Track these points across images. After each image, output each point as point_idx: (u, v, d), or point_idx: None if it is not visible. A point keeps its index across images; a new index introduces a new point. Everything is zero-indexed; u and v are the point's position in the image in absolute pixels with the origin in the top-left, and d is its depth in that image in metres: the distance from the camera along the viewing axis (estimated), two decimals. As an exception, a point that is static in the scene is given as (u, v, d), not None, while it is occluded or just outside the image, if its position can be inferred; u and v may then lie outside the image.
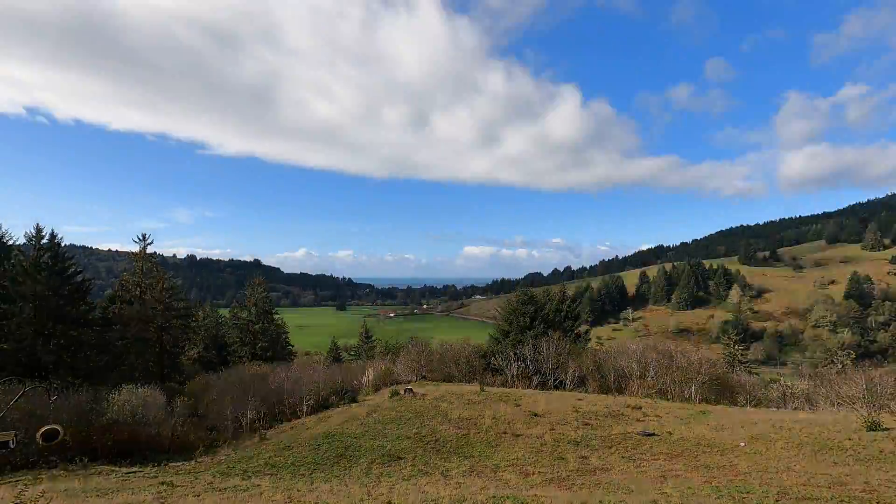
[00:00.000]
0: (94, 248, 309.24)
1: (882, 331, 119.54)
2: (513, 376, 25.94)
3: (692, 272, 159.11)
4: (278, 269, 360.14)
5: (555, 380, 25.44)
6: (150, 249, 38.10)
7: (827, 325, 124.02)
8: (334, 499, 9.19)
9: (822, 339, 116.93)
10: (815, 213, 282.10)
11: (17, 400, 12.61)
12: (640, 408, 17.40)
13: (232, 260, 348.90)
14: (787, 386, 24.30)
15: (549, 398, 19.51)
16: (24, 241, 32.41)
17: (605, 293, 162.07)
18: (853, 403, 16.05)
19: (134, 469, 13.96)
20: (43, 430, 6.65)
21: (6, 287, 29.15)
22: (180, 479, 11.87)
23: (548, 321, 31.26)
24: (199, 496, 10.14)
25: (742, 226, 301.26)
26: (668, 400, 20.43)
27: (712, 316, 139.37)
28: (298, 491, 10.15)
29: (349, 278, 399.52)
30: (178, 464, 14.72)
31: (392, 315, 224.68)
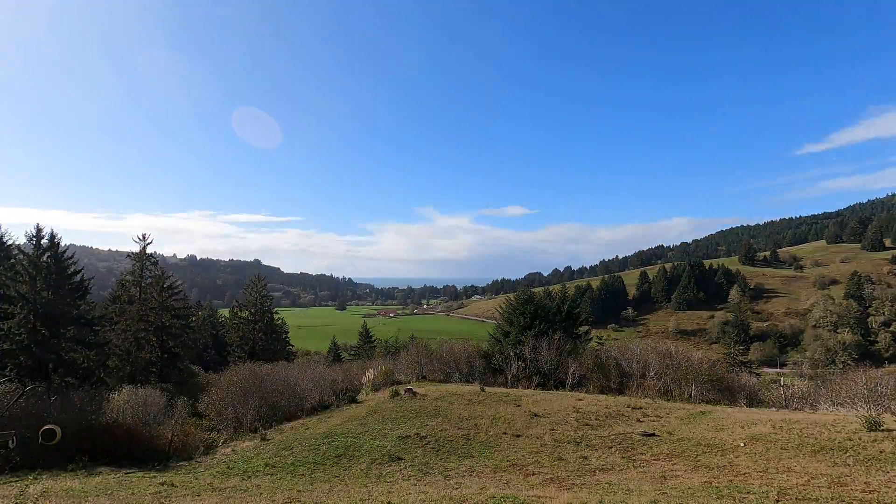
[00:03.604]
0: (94, 247, 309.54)
1: (882, 331, 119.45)
2: (513, 376, 25.92)
3: (692, 272, 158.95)
4: (278, 268, 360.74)
5: (555, 380, 25.43)
6: (149, 249, 38.10)
7: (827, 326, 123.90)
8: (334, 499, 9.19)
9: (822, 339, 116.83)
10: (815, 213, 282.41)
11: (17, 400, 12.61)
12: (641, 408, 17.38)
13: (232, 260, 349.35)
14: (787, 386, 24.26)
15: (550, 398, 19.50)
16: (25, 240, 32.42)
17: (605, 293, 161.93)
18: (853, 403, 16.04)
19: (134, 469, 13.96)
20: (42, 430, 6.66)
21: (6, 287, 29.17)
22: (180, 479, 11.87)
23: (548, 321, 31.23)
24: (199, 496, 10.14)
25: (742, 226, 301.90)
26: (669, 400, 20.41)
27: (712, 316, 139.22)
28: (298, 491, 10.15)
29: (349, 278, 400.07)
30: (178, 464, 14.72)
31: (392, 315, 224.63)
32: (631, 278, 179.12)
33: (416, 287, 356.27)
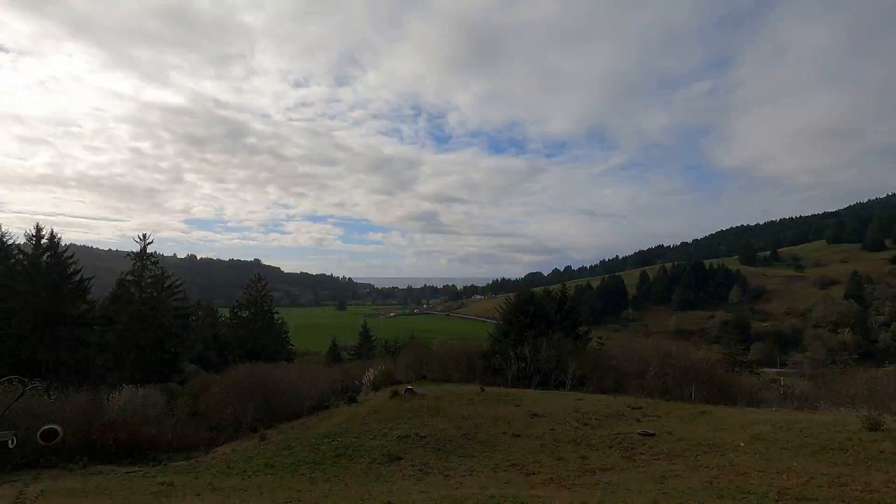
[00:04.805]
0: (94, 247, 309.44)
1: (883, 331, 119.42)
2: (513, 376, 25.92)
3: (692, 272, 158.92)
4: (278, 268, 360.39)
5: (555, 380, 25.42)
6: (149, 249, 38.11)
7: (827, 325, 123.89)
8: (334, 499, 9.19)
9: (822, 339, 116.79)
10: (816, 213, 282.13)
11: (17, 400, 12.60)
12: (641, 408, 17.37)
13: (232, 260, 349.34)
14: (787, 386, 24.29)
15: (549, 398, 19.50)
16: (24, 240, 32.42)
17: (605, 293, 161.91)
18: (853, 403, 16.04)
19: (134, 469, 13.97)
20: (42, 429, 6.64)
21: (6, 287, 29.17)
22: (180, 479, 11.87)
23: (548, 321, 31.24)
24: (199, 496, 10.15)
25: (742, 226, 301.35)
26: (669, 400, 20.39)
27: (712, 316, 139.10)
28: (298, 491, 10.16)
29: (349, 278, 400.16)
30: (178, 463, 14.73)
31: (392, 315, 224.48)
32: (631, 278, 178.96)
33: (416, 287, 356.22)
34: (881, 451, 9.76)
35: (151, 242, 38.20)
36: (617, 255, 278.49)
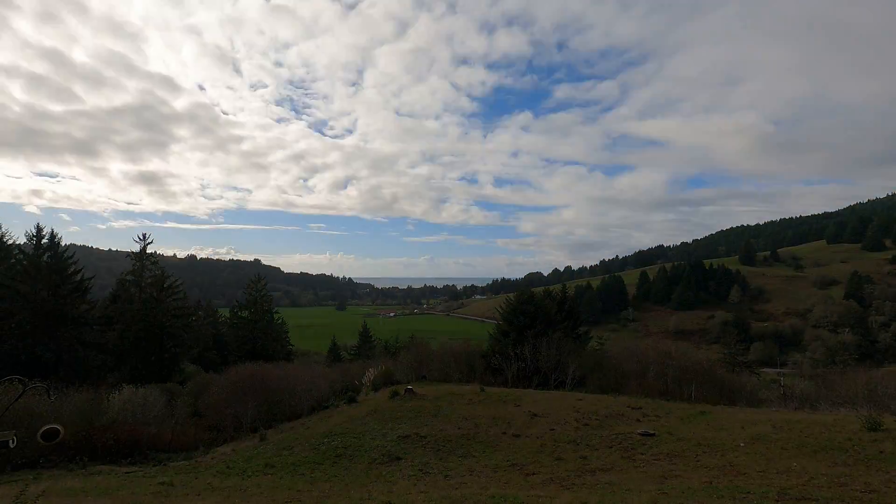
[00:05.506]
0: (94, 247, 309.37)
1: (883, 331, 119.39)
2: (512, 376, 25.92)
3: (692, 272, 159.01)
4: (278, 268, 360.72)
5: (555, 380, 25.42)
6: (149, 249, 38.13)
7: (827, 325, 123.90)
8: (334, 499, 9.20)
9: (822, 339, 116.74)
10: (815, 213, 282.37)
11: (17, 400, 12.61)
12: (640, 408, 17.37)
13: (232, 260, 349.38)
14: (787, 386, 24.30)
15: (549, 398, 19.50)
16: (25, 240, 32.45)
17: (605, 293, 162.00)
18: (853, 403, 16.04)
19: (134, 468, 13.98)
20: (43, 429, 6.65)
21: (6, 287, 29.18)
22: (180, 479, 11.88)
23: (548, 321, 31.22)
24: (199, 496, 10.15)
25: (742, 226, 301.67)
26: (669, 400, 20.39)
27: (712, 316, 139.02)
28: (298, 491, 10.16)
29: (349, 278, 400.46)
30: (178, 463, 14.73)
31: (392, 315, 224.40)
32: (631, 278, 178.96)
33: (416, 287, 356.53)
34: (881, 451, 9.76)
35: (151, 242, 38.24)
36: (617, 255, 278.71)
